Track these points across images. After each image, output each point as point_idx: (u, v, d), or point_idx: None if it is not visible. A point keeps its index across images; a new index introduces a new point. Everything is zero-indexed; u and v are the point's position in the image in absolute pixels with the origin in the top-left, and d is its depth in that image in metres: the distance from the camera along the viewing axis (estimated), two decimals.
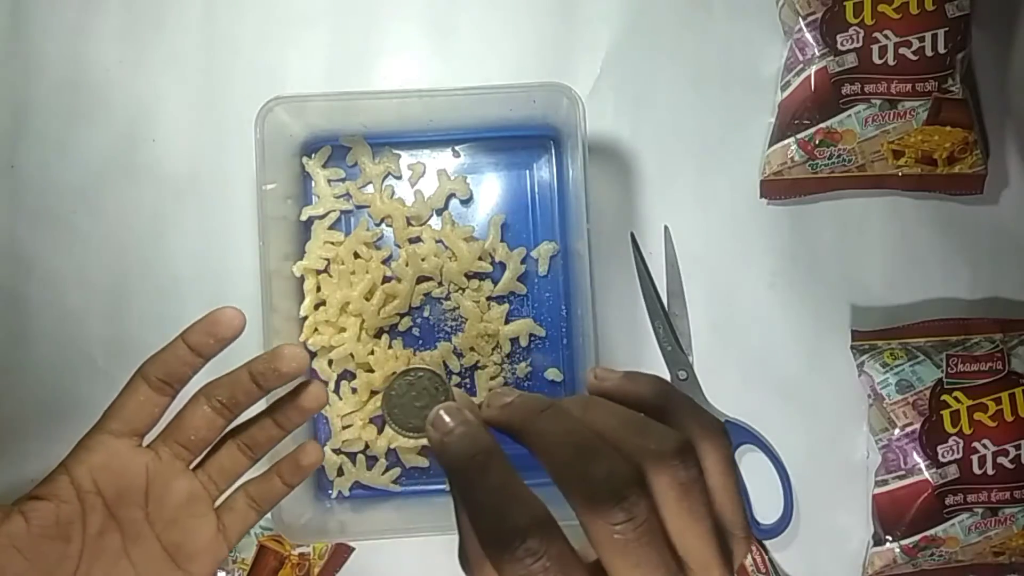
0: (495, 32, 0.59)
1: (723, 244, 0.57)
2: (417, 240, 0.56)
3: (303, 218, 0.55)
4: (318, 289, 0.54)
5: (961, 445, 0.52)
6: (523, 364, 0.56)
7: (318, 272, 0.55)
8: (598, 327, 0.49)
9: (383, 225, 0.56)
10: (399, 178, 0.57)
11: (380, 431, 0.55)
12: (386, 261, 0.55)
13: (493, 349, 0.55)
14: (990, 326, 0.55)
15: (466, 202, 0.57)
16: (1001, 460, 0.52)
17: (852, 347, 0.56)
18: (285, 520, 0.49)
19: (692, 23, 0.59)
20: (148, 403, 0.40)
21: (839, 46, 0.54)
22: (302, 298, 0.54)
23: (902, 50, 0.54)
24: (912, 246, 0.58)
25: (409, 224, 0.56)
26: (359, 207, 0.56)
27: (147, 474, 0.39)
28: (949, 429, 0.52)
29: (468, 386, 0.56)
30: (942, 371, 0.53)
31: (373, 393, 0.54)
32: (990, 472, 0.52)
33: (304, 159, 0.56)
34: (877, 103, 0.54)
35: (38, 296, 0.57)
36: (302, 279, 0.55)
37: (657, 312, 0.57)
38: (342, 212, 0.56)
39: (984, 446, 0.52)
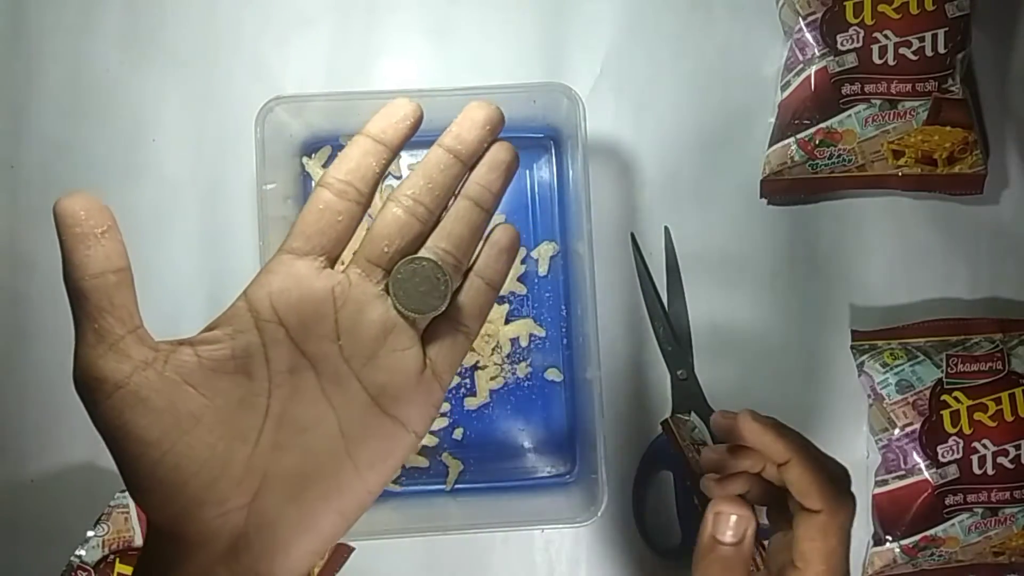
0: (495, 32, 0.59)
1: (723, 244, 0.57)
2: None
3: None
4: None
5: (961, 445, 0.52)
6: (523, 364, 0.56)
7: None
8: (598, 327, 0.49)
9: None
10: (399, 178, 0.57)
11: None
12: None
13: (493, 349, 0.55)
14: (990, 326, 0.55)
15: None
16: (1001, 460, 0.52)
17: (852, 347, 0.56)
18: None
19: (692, 23, 0.59)
20: (329, 211, 0.34)
21: (839, 46, 0.54)
22: None
23: (902, 50, 0.54)
24: (912, 246, 0.58)
25: None
26: None
27: (334, 300, 0.33)
28: (949, 429, 0.52)
29: (468, 386, 0.56)
30: (942, 371, 0.53)
31: None
32: (990, 472, 0.52)
33: (304, 159, 0.56)
34: (877, 103, 0.54)
35: (39, 295, 0.57)
36: None
37: (657, 312, 0.57)
38: None
39: (984, 446, 0.52)
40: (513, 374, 0.56)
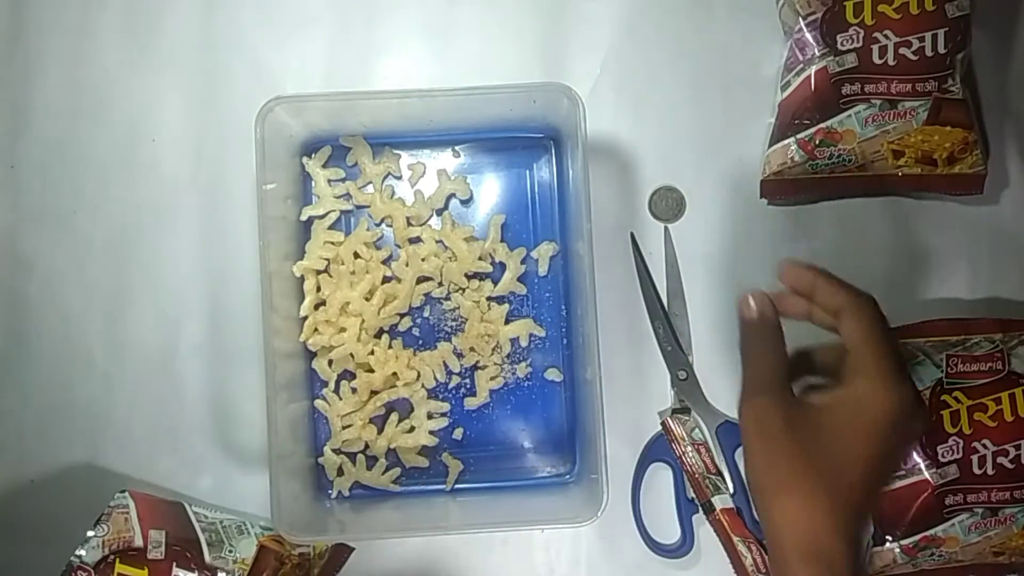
0: (495, 32, 0.59)
1: (723, 244, 0.57)
2: (417, 240, 0.56)
3: (303, 218, 0.55)
4: (318, 289, 0.54)
5: (961, 445, 0.52)
6: (523, 364, 0.56)
7: (318, 272, 0.55)
8: (598, 327, 0.49)
9: (383, 225, 0.56)
10: (399, 178, 0.57)
11: (380, 431, 0.55)
12: (386, 261, 0.55)
13: (493, 349, 0.55)
14: (990, 326, 0.55)
15: (466, 202, 0.57)
16: (1001, 460, 0.52)
17: None
18: (285, 520, 0.49)
19: (692, 23, 0.59)
20: None
21: (839, 46, 0.54)
22: (302, 298, 0.54)
23: (902, 50, 0.54)
24: (912, 246, 0.58)
25: (409, 224, 0.56)
26: (359, 207, 0.56)
27: None
28: (949, 429, 0.52)
29: (468, 386, 0.56)
30: (942, 371, 0.53)
31: (373, 393, 0.55)
32: (990, 472, 0.52)
33: (304, 159, 0.56)
34: (877, 103, 0.54)
35: (38, 296, 0.57)
36: (302, 279, 0.55)
37: (657, 312, 0.57)
38: (342, 212, 0.56)
39: (984, 446, 0.52)
40: (513, 374, 0.56)
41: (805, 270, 0.44)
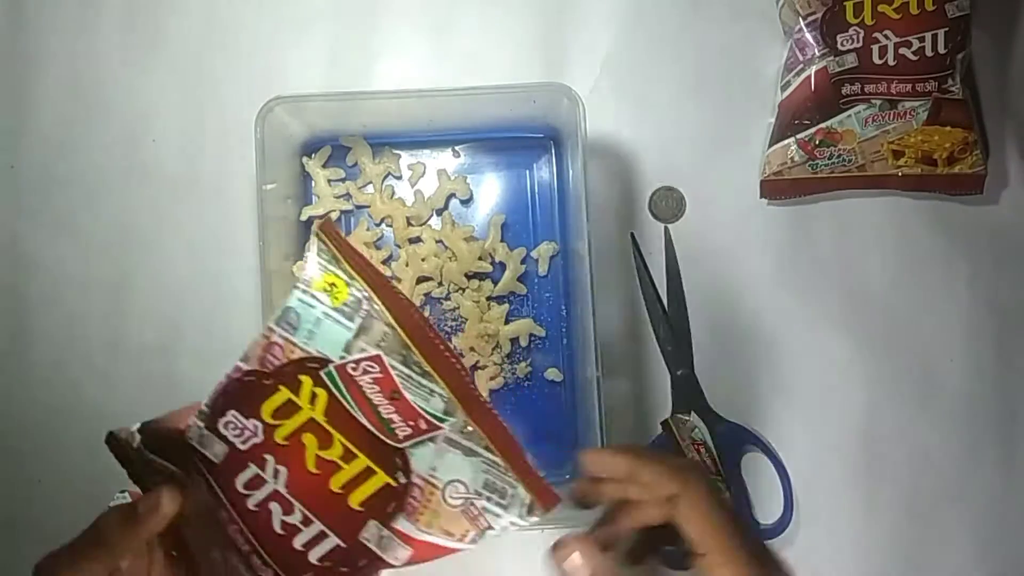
0: (495, 32, 0.59)
1: (723, 244, 0.57)
2: (417, 240, 0.56)
3: (303, 218, 0.55)
4: None
5: None
6: (523, 364, 0.56)
7: None
8: (598, 327, 0.49)
9: (383, 225, 0.56)
10: (399, 178, 0.57)
11: None
12: (386, 261, 0.55)
13: (493, 349, 0.55)
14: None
15: (466, 202, 0.57)
16: None
17: None
18: None
19: (692, 23, 0.59)
20: None
21: (839, 46, 0.54)
22: None
23: (902, 50, 0.54)
24: (912, 246, 0.58)
25: (409, 224, 0.56)
26: (359, 207, 0.56)
27: None
28: None
29: None
30: None
31: None
32: None
33: (304, 159, 0.56)
34: (877, 103, 0.54)
35: (38, 296, 0.57)
36: None
37: (657, 312, 0.57)
38: (342, 212, 0.56)
39: None
40: (513, 374, 0.56)
41: (615, 455, 0.38)
